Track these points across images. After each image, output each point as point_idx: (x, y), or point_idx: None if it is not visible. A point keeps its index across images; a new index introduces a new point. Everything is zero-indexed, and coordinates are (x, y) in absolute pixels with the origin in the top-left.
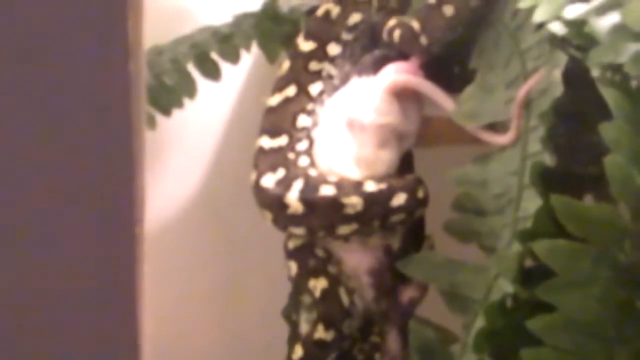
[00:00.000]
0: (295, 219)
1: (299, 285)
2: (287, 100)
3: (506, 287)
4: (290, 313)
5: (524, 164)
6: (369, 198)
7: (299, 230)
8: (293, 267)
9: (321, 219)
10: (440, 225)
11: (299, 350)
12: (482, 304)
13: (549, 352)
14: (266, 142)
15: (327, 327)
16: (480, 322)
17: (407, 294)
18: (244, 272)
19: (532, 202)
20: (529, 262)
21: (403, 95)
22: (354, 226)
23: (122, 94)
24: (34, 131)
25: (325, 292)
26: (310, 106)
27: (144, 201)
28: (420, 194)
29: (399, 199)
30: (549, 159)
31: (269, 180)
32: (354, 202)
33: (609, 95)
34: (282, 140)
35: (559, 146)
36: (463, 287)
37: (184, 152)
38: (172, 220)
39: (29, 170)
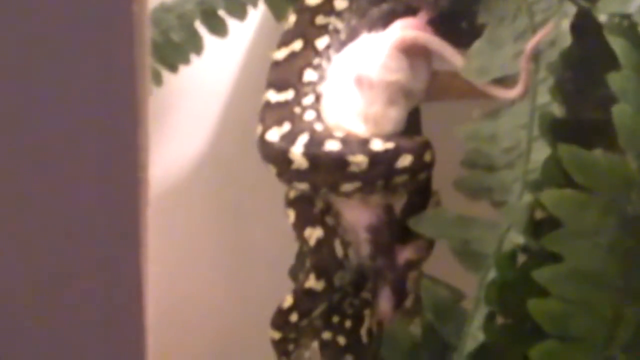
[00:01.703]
0: (299, 174)
1: (296, 234)
2: (293, 55)
3: (517, 239)
4: (297, 273)
5: (533, 116)
6: (374, 157)
7: (303, 186)
8: (291, 215)
9: (325, 175)
10: (448, 182)
11: (289, 299)
12: (494, 258)
13: (555, 302)
14: (272, 96)
15: (319, 277)
16: (491, 274)
17: (404, 255)
18: (251, 232)
19: (542, 154)
20: (540, 215)
21: (411, 52)
22: (357, 184)
23: (126, 35)
24: (38, 79)
25: (319, 242)
26: (316, 60)
27: (148, 147)
28: (427, 157)
29: (405, 161)
30: (558, 110)
31: (274, 134)
32: (359, 160)
33: (617, 45)
34: (289, 95)
35: (567, 97)
36: (475, 243)
37: (191, 109)
38: (178, 178)
39: (35, 115)
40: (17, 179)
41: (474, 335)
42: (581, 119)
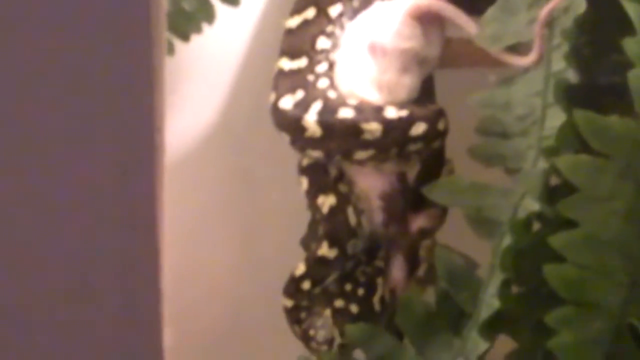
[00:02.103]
0: (313, 142)
1: (308, 202)
2: (306, 23)
3: (532, 206)
4: (309, 242)
5: (547, 83)
6: (388, 125)
7: (317, 153)
8: (304, 182)
9: (339, 143)
10: (462, 150)
11: (301, 267)
12: (509, 225)
13: (571, 268)
14: (286, 63)
15: (331, 245)
16: (506, 241)
17: (417, 223)
18: (263, 200)
19: (556, 121)
20: (555, 181)
21: (425, 19)
22: (370, 152)
23: (142, 1)
24: (54, 47)
25: (332, 209)
26: (329, 28)
27: (164, 111)
28: (441, 125)
29: (419, 129)
30: (572, 76)
31: (287, 102)
32: (373, 128)
33: (632, 10)
34: (302, 62)
35: (582, 63)
36: (489, 210)
37: (203, 78)
38: (190, 148)
39: (51, 82)
40: (38, 145)
41: (489, 303)
42: (596, 84)
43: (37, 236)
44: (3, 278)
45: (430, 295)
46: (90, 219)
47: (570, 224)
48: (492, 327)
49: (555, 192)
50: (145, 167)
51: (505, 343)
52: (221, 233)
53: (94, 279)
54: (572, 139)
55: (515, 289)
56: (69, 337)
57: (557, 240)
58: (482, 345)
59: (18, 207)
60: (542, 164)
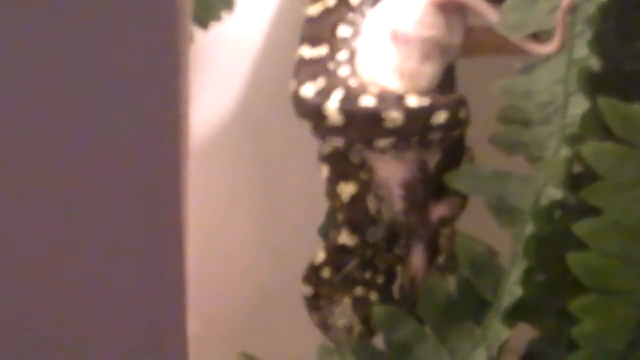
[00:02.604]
0: (334, 130)
1: (328, 189)
2: (327, 11)
3: (554, 193)
4: (328, 231)
5: (569, 70)
6: (409, 113)
7: (337, 141)
8: (325, 170)
9: (360, 131)
10: (482, 139)
11: (321, 255)
12: (531, 213)
13: (594, 255)
14: (306, 51)
15: (351, 233)
16: (528, 229)
17: (438, 211)
18: (282, 189)
19: (579, 108)
20: (578, 169)
21: (447, 7)
22: (391, 140)
23: None
24: (80, 34)
25: (352, 197)
26: (350, 16)
27: (189, 98)
28: (462, 114)
29: (440, 117)
30: (596, 64)
31: (308, 90)
32: (394, 116)
33: None
34: (322, 50)
35: (605, 50)
36: (511, 198)
37: (223, 66)
38: (209, 136)
39: (75, 68)
40: (61, 131)
41: (511, 291)
42: (620, 71)
43: (59, 220)
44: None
45: (450, 284)
46: (114, 205)
47: (592, 211)
48: (514, 315)
49: (578, 180)
50: (170, 154)
51: (526, 331)
52: (241, 220)
53: (117, 265)
54: (596, 126)
55: (537, 277)
56: (93, 324)
57: (581, 228)
58: (504, 333)
59: (40, 191)
60: (565, 152)
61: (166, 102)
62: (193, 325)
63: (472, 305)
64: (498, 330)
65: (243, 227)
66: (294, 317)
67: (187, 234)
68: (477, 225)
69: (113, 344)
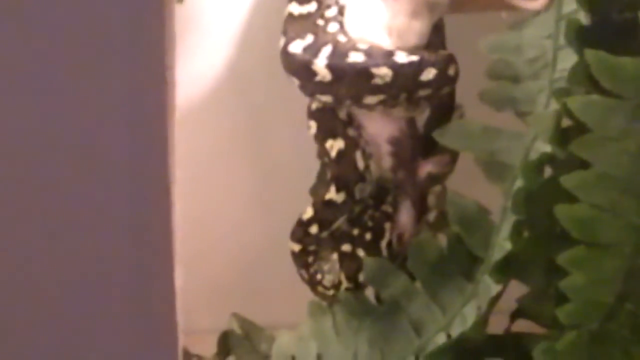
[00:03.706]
0: (323, 86)
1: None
2: None
3: (543, 148)
4: (318, 191)
5: (558, 25)
6: (398, 70)
7: (326, 98)
8: (313, 126)
9: (348, 87)
10: (472, 94)
11: (309, 211)
12: (520, 167)
13: (583, 208)
14: (295, 8)
15: (339, 189)
16: (518, 184)
17: (426, 168)
18: (270, 146)
19: (568, 63)
20: (566, 123)
21: None
22: (380, 97)
23: None
24: None
25: (340, 153)
26: None
27: (174, 49)
28: (451, 71)
29: (429, 74)
30: (584, 18)
31: (297, 46)
32: (383, 72)
33: None
34: (311, 7)
35: (594, 4)
36: (500, 153)
37: (212, 22)
38: (200, 93)
39: (64, 27)
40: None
41: (501, 246)
42: (608, 24)
43: (49, 173)
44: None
45: (440, 241)
46: (100, 158)
47: (582, 166)
48: (504, 270)
49: (567, 134)
50: (156, 104)
51: (517, 288)
52: (230, 178)
53: (103, 218)
54: (584, 80)
55: (526, 232)
56: (80, 268)
57: (570, 180)
58: (494, 289)
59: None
60: (554, 106)
61: (151, 52)
62: (184, 282)
63: (462, 262)
64: (488, 286)
65: (232, 183)
66: (281, 273)
67: (174, 188)
68: (468, 184)
69: (97, 296)
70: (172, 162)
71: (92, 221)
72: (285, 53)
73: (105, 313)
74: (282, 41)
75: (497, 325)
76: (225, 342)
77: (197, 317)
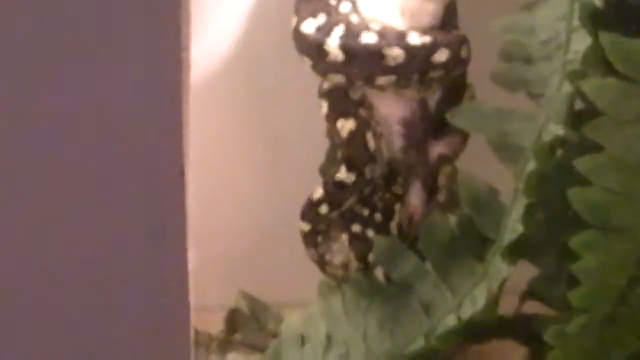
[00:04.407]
0: (335, 66)
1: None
2: None
3: (556, 130)
4: (327, 169)
5: (572, 6)
6: (411, 51)
7: (338, 78)
8: (324, 106)
9: (360, 67)
10: (484, 75)
11: (319, 191)
12: (532, 150)
13: (596, 191)
14: None
15: (350, 169)
16: (530, 166)
17: (437, 150)
18: (282, 125)
19: (581, 44)
20: (579, 106)
21: None
22: (392, 78)
23: None
24: None
25: (351, 134)
26: None
27: (190, 31)
28: (463, 52)
29: (441, 56)
30: (598, 0)
31: (309, 26)
32: (395, 53)
33: None
34: None
35: None
36: (512, 135)
37: (223, 3)
38: (211, 73)
39: (81, 13)
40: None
41: (513, 228)
42: (622, 7)
43: (63, 157)
44: None
45: (451, 222)
46: (114, 141)
47: (594, 149)
48: (515, 252)
49: (580, 117)
50: (172, 85)
51: (528, 271)
52: (240, 156)
53: (117, 199)
54: (598, 62)
55: (538, 214)
56: (94, 251)
57: (582, 164)
58: (505, 271)
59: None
60: (567, 88)
61: (167, 33)
62: (193, 260)
63: (473, 243)
64: (499, 267)
65: (242, 164)
66: (291, 251)
67: (187, 168)
68: (478, 163)
69: (113, 280)
70: (187, 145)
71: (105, 202)
72: (297, 32)
73: (119, 295)
74: (294, 21)
75: (506, 304)
76: (233, 320)
77: (205, 293)
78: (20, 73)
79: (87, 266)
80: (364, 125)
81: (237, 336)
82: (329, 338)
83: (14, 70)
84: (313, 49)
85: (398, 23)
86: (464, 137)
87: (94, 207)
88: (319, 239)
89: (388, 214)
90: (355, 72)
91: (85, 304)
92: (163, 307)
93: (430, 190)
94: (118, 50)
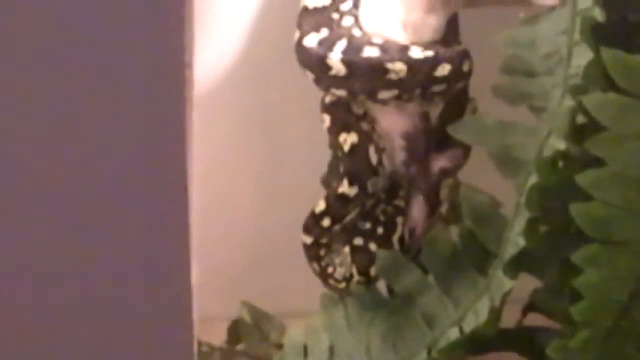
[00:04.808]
0: (337, 81)
1: (330, 139)
2: None
3: (558, 144)
4: (330, 181)
5: (574, 21)
6: (413, 65)
7: (340, 92)
8: (326, 119)
9: (363, 82)
10: (485, 88)
11: (322, 204)
12: (534, 163)
13: (598, 206)
14: (310, 1)
15: (352, 182)
16: (532, 180)
17: (439, 163)
18: (284, 138)
19: (583, 59)
20: (581, 120)
21: None
22: (394, 92)
23: None
24: None
25: (354, 147)
26: None
27: (193, 47)
28: (465, 66)
29: (443, 70)
30: (599, 14)
31: (311, 40)
32: (398, 68)
33: None
34: (326, 0)
35: (610, 2)
36: (514, 149)
37: (226, 14)
38: (214, 85)
39: (81, 16)
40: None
41: (515, 241)
42: (624, 22)
43: (68, 171)
44: None
45: (453, 235)
46: (118, 156)
47: (595, 163)
48: (517, 265)
49: (581, 131)
50: (175, 103)
51: (530, 282)
52: (243, 169)
53: (121, 213)
54: (599, 77)
55: (541, 228)
56: (98, 262)
57: (584, 179)
58: (507, 284)
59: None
60: (568, 103)
61: (171, 51)
62: (196, 271)
63: (475, 256)
64: (501, 281)
65: (245, 176)
66: (293, 265)
67: (190, 182)
68: (480, 176)
69: (116, 292)
70: (190, 159)
71: (111, 216)
72: (299, 46)
73: (122, 306)
74: (296, 34)
75: (508, 315)
76: (236, 330)
77: (208, 304)
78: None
79: (91, 280)
80: (366, 139)
81: (240, 347)
82: (331, 350)
83: (14, 85)
84: (315, 63)
85: (400, 37)
86: (466, 150)
87: (97, 224)
88: (322, 252)
89: (390, 227)
90: (357, 86)
91: (90, 315)
92: (167, 318)
93: (432, 203)
94: (121, 67)
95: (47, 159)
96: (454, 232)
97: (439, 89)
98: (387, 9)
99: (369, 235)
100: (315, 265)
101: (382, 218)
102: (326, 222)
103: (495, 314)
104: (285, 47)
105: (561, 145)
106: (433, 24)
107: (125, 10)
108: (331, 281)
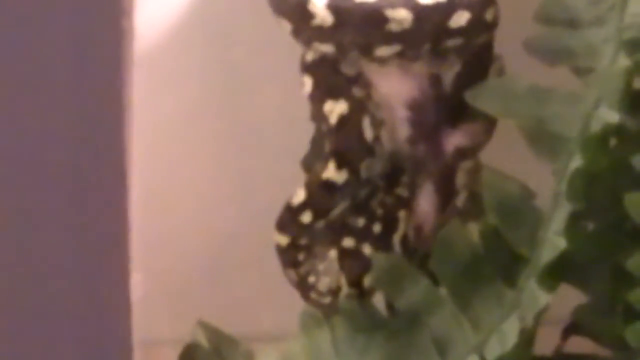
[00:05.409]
0: (322, 33)
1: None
2: None
3: (609, 116)
4: (312, 163)
5: None
6: (421, 13)
7: (326, 47)
8: (308, 83)
9: (355, 34)
10: (514, 43)
11: (301, 194)
12: (578, 141)
13: None
14: None
15: (340, 166)
16: (576, 162)
17: (454, 140)
18: (253, 106)
19: None
20: (639, 85)
21: None
22: (396, 47)
23: None
24: None
25: (343, 119)
26: None
27: None
28: (489, 15)
29: (460, 19)
30: None
31: None
32: (400, 16)
33: None
34: None
35: None
36: (552, 122)
37: None
38: (163, 38)
39: None
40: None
41: (553, 242)
42: None
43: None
44: None
45: (473, 234)
46: (43, 112)
47: None
48: (556, 274)
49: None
50: (108, 61)
51: (572, 296)
52: (198, 150)
53: (45, 194)
54: None
55: (587, 226)
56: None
57: None
58: (543, 299)
59: None
60: (623, 62)
61: None
62: (137, 286)
63: (501, 262)
64: (535, 295)
65: (200, 159)
66: (266, 274)
67: (129, 166)
68: (507, 158)
69: (45, 302)
70: (128, 135)
71: (27, 214)
72: None
73: (45, 330)
74: None
75: (544, 339)
76: (189, 357)
77: (155, 324)
78: None
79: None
80: (358, 109)
81: None
82: None
83: None
84: (295, 10)
85: None
86: (489, 124)
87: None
88: (301, 256)
89: (390, 224)
90: (347, 40)
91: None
92: (98, 345)
93: (445, 193)
94: (45, 15)
95: None
96: (473, 230)
97: (455, 44)
98: None
99: (362, 235)
100: (293, 274)
101: (379, 212)
102: (307, 217)
103: (527, 337)
104: None
105: (613, 117)
106: None
107: None
108: (313, 294)
